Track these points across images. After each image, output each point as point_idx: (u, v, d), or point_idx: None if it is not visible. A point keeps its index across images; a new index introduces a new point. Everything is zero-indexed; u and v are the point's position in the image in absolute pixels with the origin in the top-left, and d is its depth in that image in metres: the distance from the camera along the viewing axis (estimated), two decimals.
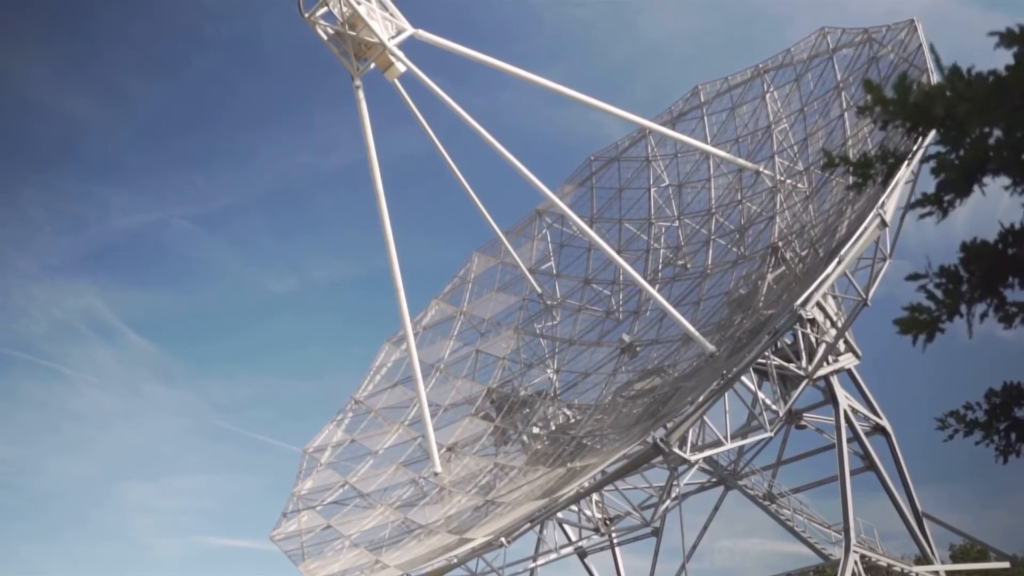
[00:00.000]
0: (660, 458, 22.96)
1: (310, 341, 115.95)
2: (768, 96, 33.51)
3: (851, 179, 4.34)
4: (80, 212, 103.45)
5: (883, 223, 21.91)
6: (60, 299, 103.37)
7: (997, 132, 3.56)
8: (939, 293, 3.95)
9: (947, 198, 3.89)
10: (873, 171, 4.12)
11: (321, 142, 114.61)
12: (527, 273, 37.42)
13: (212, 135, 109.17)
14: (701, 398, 22.09)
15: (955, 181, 3.76)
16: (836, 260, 21.46)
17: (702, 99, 36.70)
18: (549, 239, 39.87)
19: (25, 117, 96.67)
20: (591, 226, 36.97)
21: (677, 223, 35.81)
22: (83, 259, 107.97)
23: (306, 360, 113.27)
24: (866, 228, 21.70)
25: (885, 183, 4.15)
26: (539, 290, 37.88)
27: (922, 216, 3.88)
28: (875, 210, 21.59)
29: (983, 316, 4.04)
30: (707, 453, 23.87)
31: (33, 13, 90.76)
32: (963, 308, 3.94)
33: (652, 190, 37.17)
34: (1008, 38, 3.59)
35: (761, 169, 31.55)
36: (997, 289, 3.85)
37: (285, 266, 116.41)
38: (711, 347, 24.40)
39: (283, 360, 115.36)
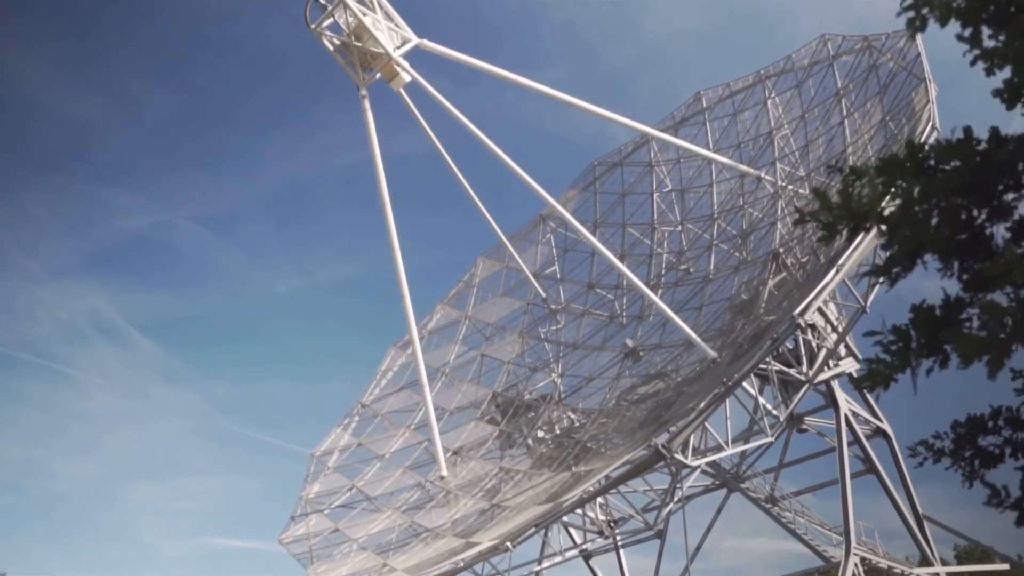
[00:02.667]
0: (662, 463, 23.30)
1: (315, 343, 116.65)
2: (770, 102, 33.83)
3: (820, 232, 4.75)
4: (86, 214, 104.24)
5: (881, 232, 22.17)
6: (66, 301, 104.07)
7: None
8: (892, 348, 4.36)
9: (895, 270, 4.33)
10: (840, 227, 4.53)
11: (326, 143, 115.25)
12: (531, 278, 37.79)
13: (217, 137, 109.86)
14: (703, 404, 22.43)
15: (900, 258, 4.20)
16: (835, 269, 21.79)
17: (704, 104, 37.03)
18: (553, 243, 40.28)
19: (31, 119, 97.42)
20: (595, 230, 37.44)
21: (680, 228, 36.16)
22: (89, 261, 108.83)
23: (311, 362, 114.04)
24: (864, 236, 22.01)
25: (850, 239, 4.60)
26: (543, 294, 38.26)
27: (873, 284, 4.30)
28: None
29: (929, 371, 4.45)
30: (709, 459, 24.20)
31: (40, 16, 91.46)
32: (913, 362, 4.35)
33: (655, 195, 37.52)
34: (938, 150, 4.01)
35: (763, 175, 31.87)
36: (941, 347, 4.25)
37: (290, 268, 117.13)
38: (712, 353, 24.73)
39: (288, 362, 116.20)
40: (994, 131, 4.14)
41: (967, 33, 4.34)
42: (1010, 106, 4.20)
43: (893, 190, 4.19)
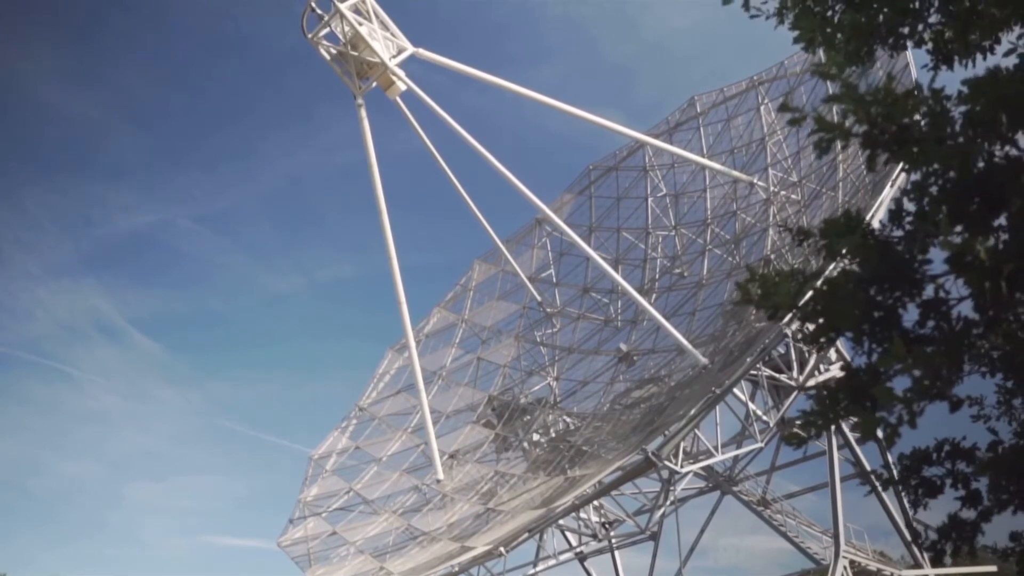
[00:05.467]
0: (654, 469, 23.65)
1: (316, 342, 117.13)
2: (762, 108, 34.16)
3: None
4: (85, 213, 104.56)
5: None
6: (66, 300, 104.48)
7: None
8: (824, 402, 4.77)
9: (822, 340, 4.73)
10: (781, 297, 4.95)
11: (326, 143, 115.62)
12: (527, 282, 38.16)
13: (218, 137, 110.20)
14: (693, 410, 22.79)
15: (821, 332, 4.61)
16: (821, 278, 22.06)
17: (698, 110, 37.37)
18: (549, 247, 40.65)
19: (30, 119, 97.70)
20: (590, 235, 37.86)
21: (674, 232, 36.53)
22: (88, 260, 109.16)
23: (312, 361, 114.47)
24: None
25: (784, 315, 4.99)
26: (539, 298, 38.63)
27: (800, 352, 4.68)
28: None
29: (854, 427, 4.86)
30: (699, 465, 24.58)
31: (41, 18, 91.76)
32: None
33: (650, 199, 37.88)
34: (850, 249, 4.39)
35: (755, 181, 32.24)
36: (865, 406, 4.63)
37: (290, 266, 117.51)
38: (704, 359, 25.13)
39: (289, 361, 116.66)
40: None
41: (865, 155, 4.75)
42: (918, 202, 4.60)
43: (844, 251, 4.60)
